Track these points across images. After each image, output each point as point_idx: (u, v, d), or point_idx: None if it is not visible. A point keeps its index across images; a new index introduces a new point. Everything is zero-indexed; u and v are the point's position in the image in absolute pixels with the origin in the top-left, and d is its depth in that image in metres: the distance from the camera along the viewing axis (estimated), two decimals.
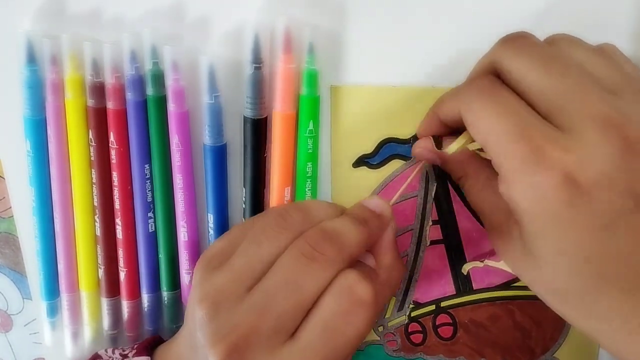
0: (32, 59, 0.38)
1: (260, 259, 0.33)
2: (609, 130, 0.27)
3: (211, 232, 0.40)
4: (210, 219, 0.40)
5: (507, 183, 0.29)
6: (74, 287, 0.43)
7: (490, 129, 0.29)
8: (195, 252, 0.41)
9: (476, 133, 0.30)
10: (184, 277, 0.41)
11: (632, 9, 0.36)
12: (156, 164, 0.39)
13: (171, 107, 0.38)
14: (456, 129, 0.34)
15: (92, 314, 0.43)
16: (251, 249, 0.34)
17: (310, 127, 0.38)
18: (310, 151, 0.38)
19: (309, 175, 0.39)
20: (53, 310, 0.44)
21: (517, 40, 0.31)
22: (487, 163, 0.33)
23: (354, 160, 0.39)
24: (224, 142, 0.39)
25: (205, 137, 0.38)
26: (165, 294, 0.42)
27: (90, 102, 0.39)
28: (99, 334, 0.44)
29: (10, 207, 0.43)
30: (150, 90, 0.38)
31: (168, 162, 0.40)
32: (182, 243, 0.41)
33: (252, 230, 0.35)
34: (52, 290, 0.43)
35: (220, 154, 0.39)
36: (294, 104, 0.38)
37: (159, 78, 0.38)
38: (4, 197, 0.43)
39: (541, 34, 0.32)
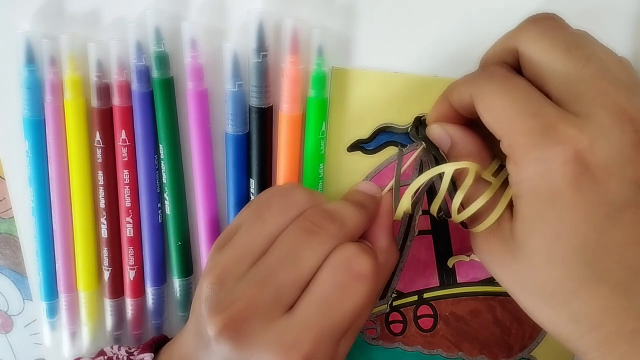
0: (31, 59, 0.39)
1: (263, 235, 0.34)
2: (623, 120, 0.27)
3: (232, 220, 0.40)
4: (232, 208, 0.40)
5: (515, 160, 0.29)
6: (72, 288, 0.43)
7: (502, 108, 0.29)
8: (214, 236, 0.41)
9: (487, 115, 0.30)
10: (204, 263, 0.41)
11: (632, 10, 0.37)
12: (165, 150, 0.39)
13: (189, 85, 0.38)
14: (467, 117, 0.34)
15: (90, 315, 0.44)
16: (255, 225, 0.34)
17: (323, 128, 0.38)
18: (322, 152, 0.39)
19: (321, 177, 0.39)
20: (52, 311, 0.44)
21: (544, 22, 0.30)
22: (489, 156, 0.33)
23: (350, 144, 0.39)
24: (246, 131, 0.39)
25: (228, 126, 0.39)
26: (176, 282, 0.42)
27: (97, 104, 0.39)
28: (98, 334, 0.44)
29: (11, 208, 0.44)
30: (155, 73, 0.38)
31: (178, 146, 0.40)
32: (201, 227, 0.41)
33: (257, 206, 0.35)
34: (52, 291, 0.43)
35: (242, 143, 0.39)
36: (300, 105, 0.38)
37: (164, 60, 0.38)
38: (4, 198, 0.43)
39: None
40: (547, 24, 0.30)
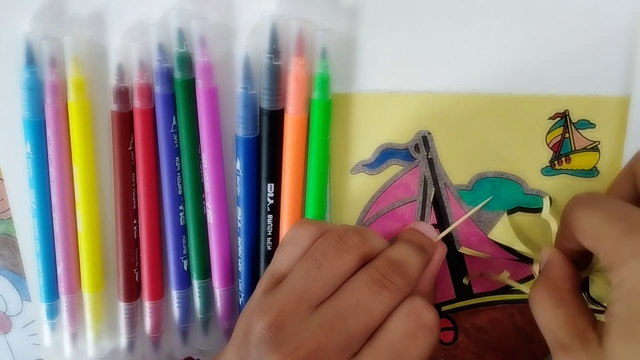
0: (31, 60, 0.38)
1: (321, 280, 0.34)
2: None
3: (240, 224, 0.40)
4: (239, 211, 0.40)
5: (611, 264, 0.29)
6: (73, 289, 0.43)
7: (590, 223, 0.30)
8: (226, 240, 0.41)
9: (582, 238, 0.31)
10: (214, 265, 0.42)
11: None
12: (185, 152, 0.39)
13: (199, 83, 0.38)
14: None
15: (94, 316, 0.43)
16: (312, 270, 0.34)
17: (330, 130, 0.38)
18: (328, 154, 0.39)
19: (328, 176, 0.39)
20: (53, 312, 0.44)
21: None
22: (560, 274, 0.34)
23: (352, 166, 0.40)
24: (257, 134, 0.39)
25: (238, 129, 0.38)
26: (196, 284, 0.42)
27: (116, 107, 0.39)
28: (102, 336, 0.44)
29: (9, 209, 0.43)
30: (177, 74, 0.38)
31: (198, 147, 0.39)
32: (212, 230, 0.41)
33: (312, 251, 0.35)
34: (52, 292, 0.43)
35: (252, 146, 0.39)
36: (305, 107, 0.38)
37: (185, 60, 0.38)
38: (2, 199, 0.43)
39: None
40: None
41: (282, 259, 0.36)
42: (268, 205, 0.40)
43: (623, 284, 0.28)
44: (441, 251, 0.38)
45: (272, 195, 0.39)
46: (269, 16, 0.36)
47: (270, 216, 0.40)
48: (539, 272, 0.35)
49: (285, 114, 0.38)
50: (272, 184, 0.39)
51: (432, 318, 0.33)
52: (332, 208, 0.40)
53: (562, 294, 0.33)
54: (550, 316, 0.32)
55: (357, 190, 0.40)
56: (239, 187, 0.40)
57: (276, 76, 0.37)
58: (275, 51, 0.36)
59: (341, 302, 0.33)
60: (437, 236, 0.39)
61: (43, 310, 0.43)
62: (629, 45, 0.36)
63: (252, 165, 0.39)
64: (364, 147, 0.39)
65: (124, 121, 0.39)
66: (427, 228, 0.39)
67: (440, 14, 0.37)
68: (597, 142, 0.38)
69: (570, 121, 0.38)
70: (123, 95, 0.39)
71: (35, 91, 0.39)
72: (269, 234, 0.40)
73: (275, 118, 0.38)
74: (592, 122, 0.37)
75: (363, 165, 0.40)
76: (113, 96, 0.39)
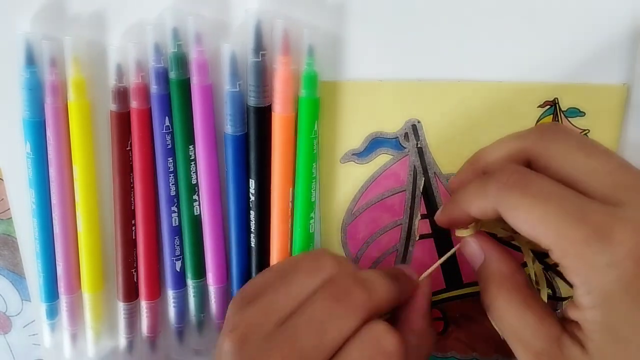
0: (31, 60, 0.38)
1: (289, 296, 0.33)
2: None
3: (229, 221, 0.40)
4: (231, 209, 0.40)
5: (576, 272, 0.27)
6: (73, 289, 0.43)
7: (538, 220, 0.27)
8: (220, 236, 0.41)
9: (523, 229, 0.28)
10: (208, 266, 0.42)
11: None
12: (179, 151, 0.39)
13: (194, 81, 0.38)
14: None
15: (94, 316, 0.43)
16: (281, 286, 0.34)
17: (315, 127, 0.38)
18: (314, 152, 0.39)
19: (314, 176, 0.39)
20: (53, 312, 0.44)
21: (553, 128, 0.31)
22: (524, 280, 0.32)
23: (342, 155, 0.40)
24: (245, 131, 0.39)
25: (227, 126, 0.38)
26: (191, 283, 0.42)
27: (115, 107, 0.39)
28: (102, 336, 0.44)
29: (9, 209, 0.43)
30: (172, 74, 0.38)
31: (192, 146, 0.40)
32: (206, 228, 0.41)
33: (284, 267, 0.36)
34: (52, 292, 0.43)
35: (241, 143, 0.39)
36: (293, 106, 0.38)
37: (180, 60, 0.38)
38: (2, 199, 0.43)
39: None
40: (557, 129, 0.31)
41: (259, 276, 0.37)
42: (250, 202, 0.40)
43: (596, 291, 0.27)
44: (426, 287, 0.37)
45: (254, 191, 0.39)
46: (254, 13, 0.36)
47: (252, 212, 0.40)
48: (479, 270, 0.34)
49: (272, 113, 0.38)
50: (254, 180, 0.39)
51: (394, 345, 0.32)
52: (321, 197, 0.40)
53: (523, 294, 0.31)
54: (517, 322, 0.31)
55: (347, 179, 0.40)
56: (227, 184, 0.40)
57: (261, 73, 0.37)
58: (259, 48, 0.37)
59: (298, 318, 0.32)
60: (416, 275, 0.37)
61: (43, 310, 0.43)
62: (620, 32, 0.36)
63: (240, 162, 0.39)
64: (354, 135, 0.39)
65: (123, 121, 0.39)
66: (405, 267, 0.38)
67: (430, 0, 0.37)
68: (587, 130, 0.38)
69: (560, 109, 0.37)
70: (122, 95, 0.39)
71: (35, 91, 0.39)
72: (252, 230, 0.40)
73: (262, 115, 0.38)
74: (581, 110, 0.37)
75: (353, 155, 0.39)
76: (112, 96, 0.39)
